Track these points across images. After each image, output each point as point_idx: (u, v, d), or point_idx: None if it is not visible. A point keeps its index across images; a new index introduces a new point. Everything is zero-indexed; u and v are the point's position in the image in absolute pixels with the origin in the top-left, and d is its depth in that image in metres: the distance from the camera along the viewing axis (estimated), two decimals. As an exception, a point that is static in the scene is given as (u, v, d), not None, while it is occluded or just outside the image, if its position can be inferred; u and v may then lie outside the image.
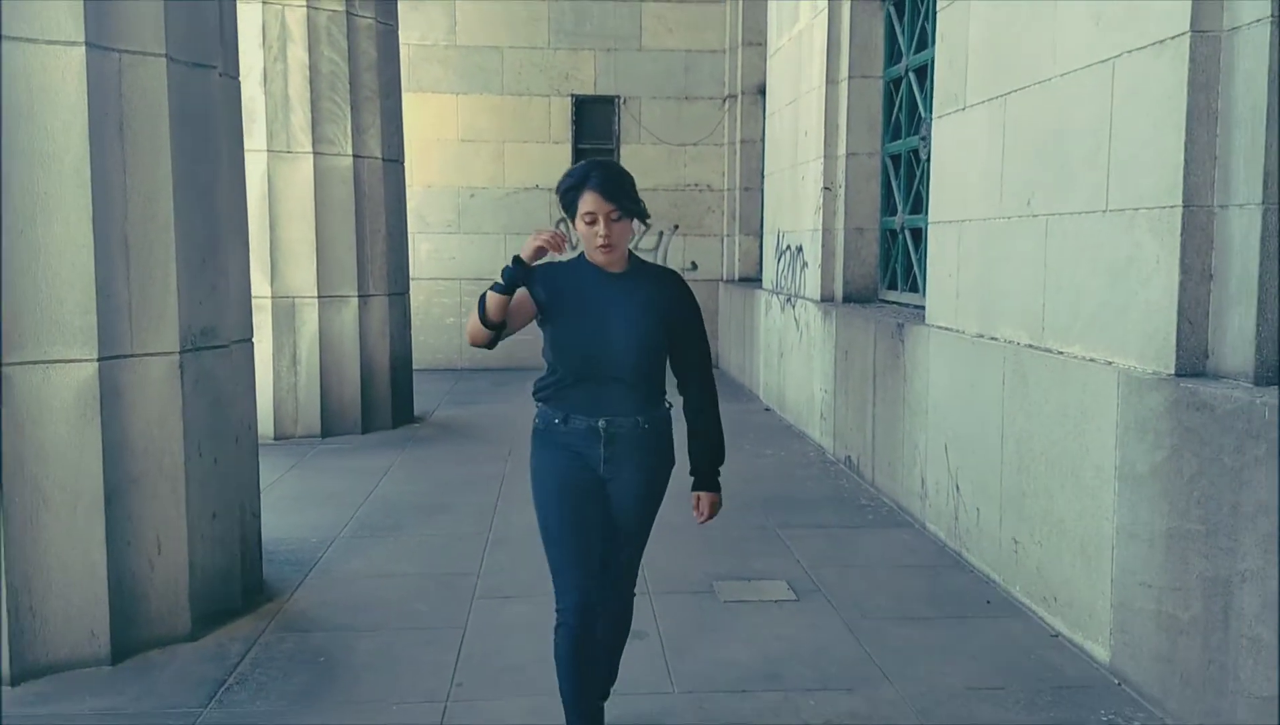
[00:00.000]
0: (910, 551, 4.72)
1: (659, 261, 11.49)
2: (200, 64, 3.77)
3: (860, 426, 6.15)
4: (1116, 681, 3.30)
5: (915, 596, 4.13)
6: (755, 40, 10.71)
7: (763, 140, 10.08)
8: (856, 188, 6.99)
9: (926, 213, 5.54)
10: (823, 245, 7.18)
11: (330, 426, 7.35)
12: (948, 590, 4.19)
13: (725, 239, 11.57)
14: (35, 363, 3.32)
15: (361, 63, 7.46)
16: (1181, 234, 3.05)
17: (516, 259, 2.47)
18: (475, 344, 2.58)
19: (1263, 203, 2.86)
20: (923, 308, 5.48)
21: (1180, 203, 3.05)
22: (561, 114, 11.39)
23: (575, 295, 2.56)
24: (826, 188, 7.16)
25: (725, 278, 11.50)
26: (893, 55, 6.74)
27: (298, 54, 7.18)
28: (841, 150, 7.02)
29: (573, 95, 11.40)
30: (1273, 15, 2.83)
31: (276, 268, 7.19)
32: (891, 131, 6.76)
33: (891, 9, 6.73)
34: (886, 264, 6.90)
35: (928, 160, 5.67)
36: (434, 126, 11.21)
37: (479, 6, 11.26)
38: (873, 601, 4.05)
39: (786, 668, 3.42)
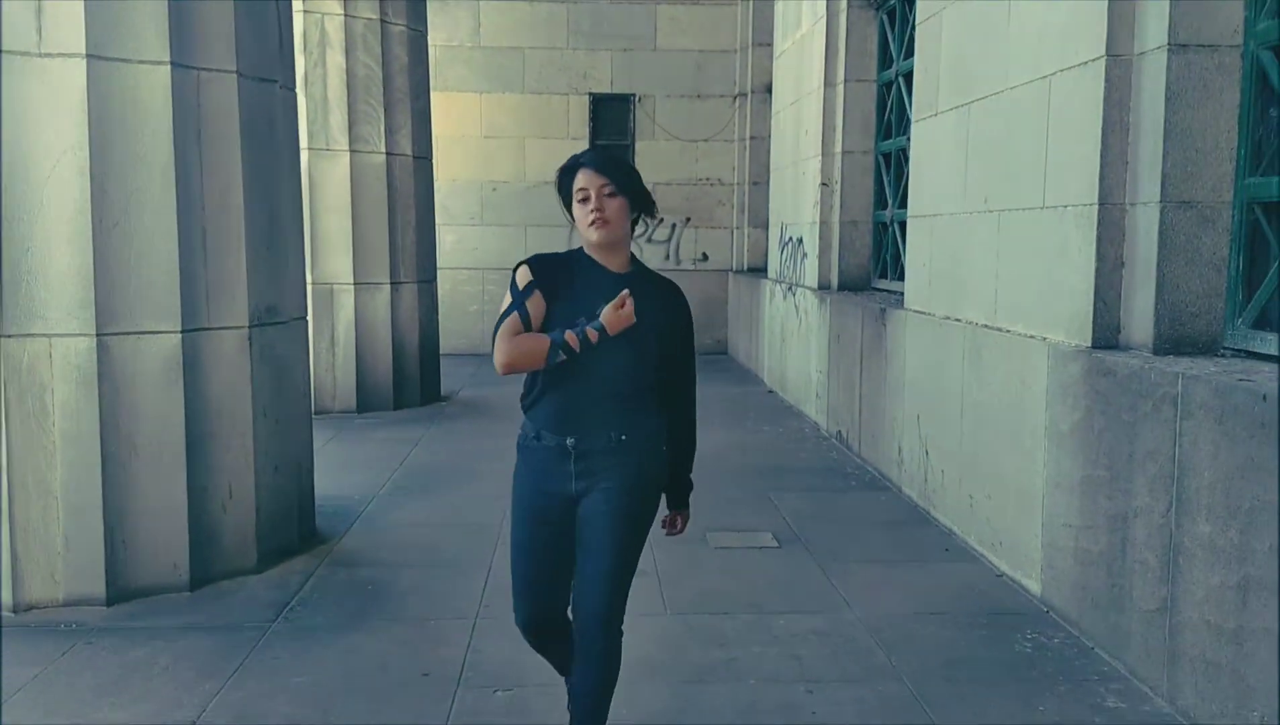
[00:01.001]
0: (884, 510, 5.29)
1: (670, 255, 12.09)
2: (264, 78, 4.37)
3: (849, 404, 6.70)
4: (1045, 610, 3.85)
5: (883, 545, 4.70)
6: (764, 41, 11.22)
7: (770, 137, 10.60)
8: (852, 184, 7.52)
9: (909, 207, 6.07)
10: (820, 237, 7.72)
11: (365, 402, 7.98)
12: (912, 540, 4.76)
13: (735, 231, 12.11)
14: (128, 333, 3.94)
15: (394, 67, 8.06)
16: (1098, 227, 3.60)
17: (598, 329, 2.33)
18: (513, 368, 2.36)
19: (1161, 201, 3.40)
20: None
21: (1097, 201, 3.59)
22: (580, 111, 11.95)
23: (572, 291, 2.39)
24: (824, 183, 7.70)
25: (734, 268, 12.05)
26: (885, 61, 7.27)
27: (336, 59, 7.79)
28: (838, 148, 7.56)
29: (590, 93, 11.96)
30: (1169, 43, 3.37)
31: (317, 256, 7.81)
32: (883, 131, 7.29)
33: (884, 18, 7.25)
34: (878, 254, 7.44)
35: (911, 159, 6.20)
36: (459, 124, 11.80)
37: (502, 9, 11.84)
38: (845, 549, 4.63)
39: (763, 597, 4.00)
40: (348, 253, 7.89)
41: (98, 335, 3.86)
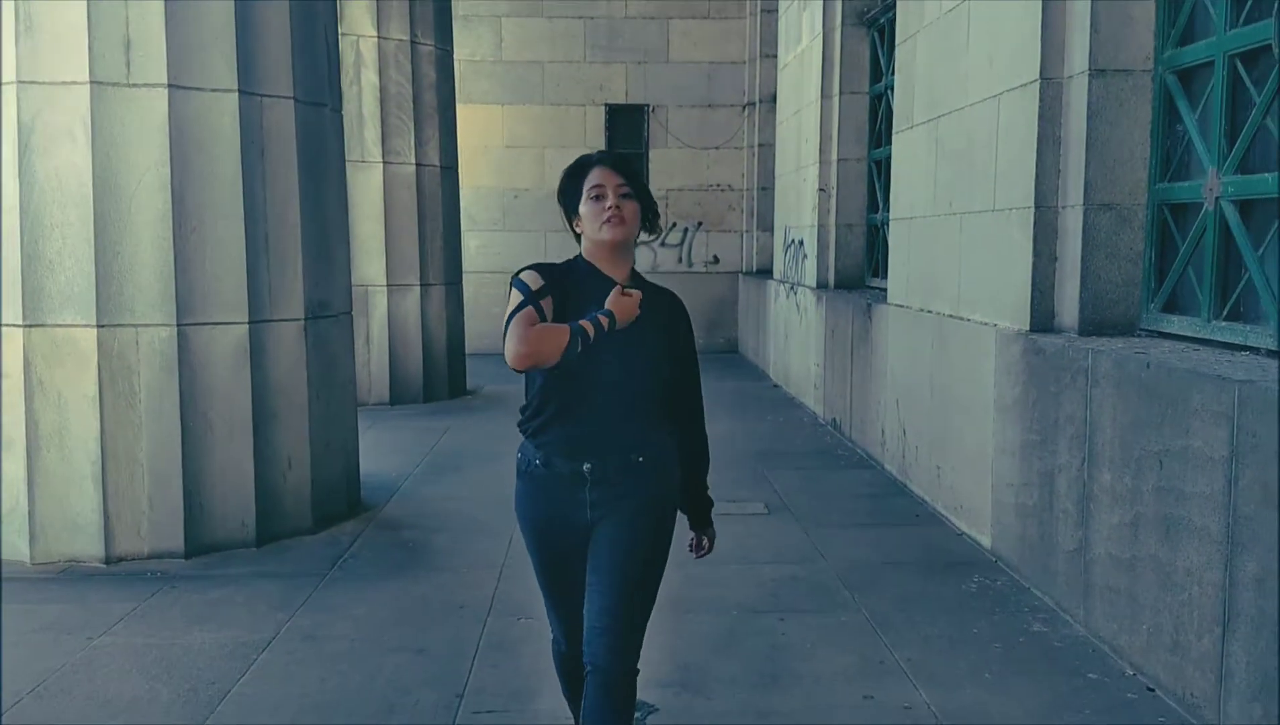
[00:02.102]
0: (867, 485, 5.87)
1: (683, 259, 12.70)
2: (316, 102, 5.02)
3: (842, 393, 7.28)
4: (994, 559, 4.43)
5: (861, 512, 5.28)
6: (772, 53, 11.79)
7: (775, 144, 11.19)
8: (847, 189, 8.11)
9: (893, 211, 6.65)
10: (818, 239, 8.31)
11: (397, 395, 8.64)
12: (888, 508, 5.34)
13: (744, 235, 12.71)
14: (203, 324, 4.59)
15: (423, 84, 8.72)
16: (1034, 227, 4.18)
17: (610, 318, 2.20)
18: (532, 359, 2.14)
19: (1085, 204, 3.97)
20: (889, 290, 6.60)
21: (1033, 204, 4.17)
22: (596, 121, 12.59)
23: (573, 301, 2.24)
24: (822, 189, 8.29)
25: (744, 270, 12.64)
26: (876, 75, 7.85)
27: (370, 77, 8.45)
28: (834, 156, 8.14)
29: (606, 104, 12.60)
30: (1090, 68, 3.94)
31: (353, 260, 8.44)
32: (875, 140, 7.87)
33: (875, 35, 7.83)
34: (871, 254, 8.01)
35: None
36: (482, 134, 12.46)
37: (523, 25, 12.50)
38: (827, 515, 5.21)
39: (752, 551, 4.59)
40: (381, 257, 8.55)
41: (177, 326, 4.51)
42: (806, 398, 8.55)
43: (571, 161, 2.38)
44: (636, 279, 2.36)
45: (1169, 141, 3.90)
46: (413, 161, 8.63)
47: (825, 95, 8.21)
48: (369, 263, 8.53)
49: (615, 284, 2.28)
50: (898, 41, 6.15)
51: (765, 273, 11.78)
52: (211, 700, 3.18)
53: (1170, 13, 3.87)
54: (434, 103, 8.80)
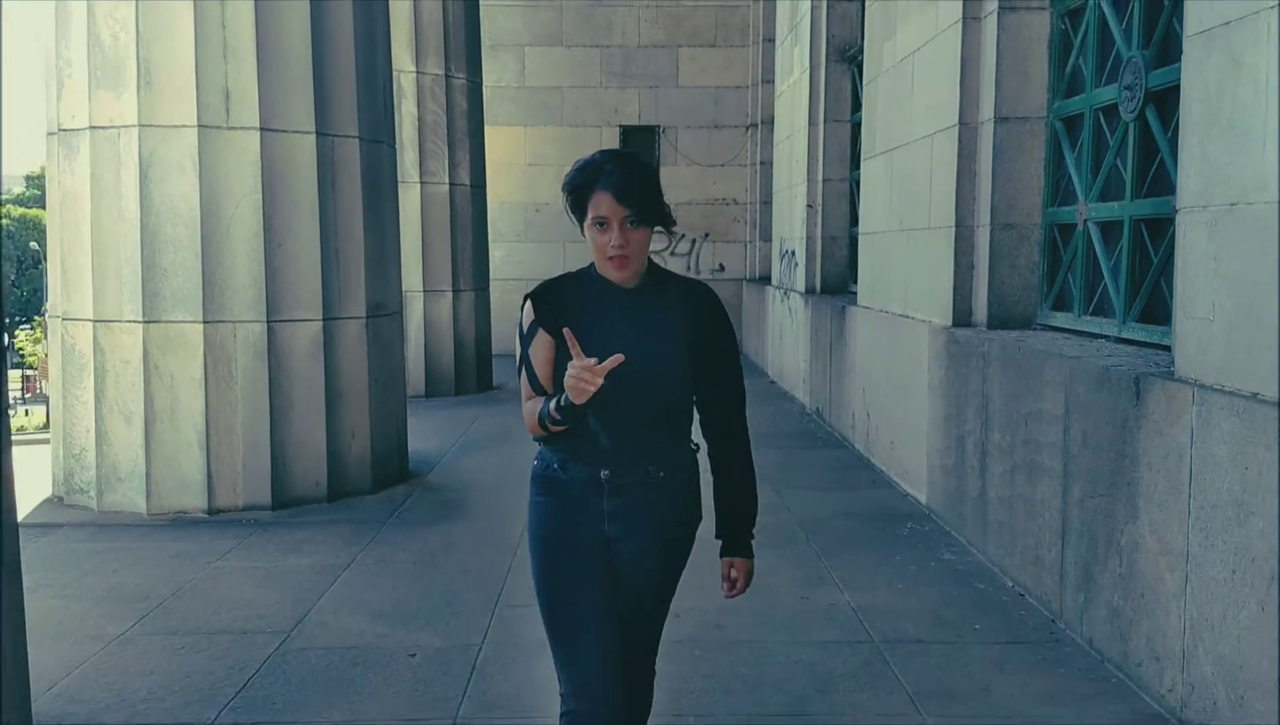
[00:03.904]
0: (836, 460, 6.89)
1: (691, 267, 13.73)
2: (375, 140, 6.10)
3: (824, 385, 8.29)
4: (927, 512, 5.44)
5: (826, 480, 6.30)
6: (771, 79, 12.83)
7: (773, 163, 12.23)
8: (831, 205, 9.13)
9: (865, 226, 7.67)
10: (807, 250, 9.33)
11: (432, 389, 9.72)
12: (851, 478, 6.35)
13: (747, 245, 13.75)
14: (287, 321, 5.66)
15: (456, 112, 9.81)
16: (955, 242, 5.19)
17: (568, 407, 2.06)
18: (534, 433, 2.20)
19: (991, 224, 4.99)
20: (861, 294, 7.61)
21: (955, 224, 5.19)
22: (611, 141, 13.65)
23: (582, 317, 2.12)
24: (810, 205, 9.31)
25: (747, 277, 13.67)
26: (856, 105, 8.87)
27: (410, 108, 9.56)
28: (820, 176, 9.17)
29: (620, 125, 13.69)
30: (995, 116, 4.95)
31: (393, 269, 9.58)
32: (855, 162, 8.89)
33: (855, 70, 8.86)
34: (852, 263, 9.01)
35: (868, 188, 7.79)
36: (507, 153, 13.56)
37: (544, 54, 13.61)
38: (797, 481, 6.23)
39: (730, 506, 5.61)
40: (419, 266, 9.64)
41: (267, 322, 5.59)
42: (796, 391, 9.56)
43: (579, 165, 2.15)
44: (651, 275, 2.20)
45: (1058, 174, 4.91)
46: (447, 181, 9.72)
47: (812, 122, 9.24)
48: (408, 271, 9.60)
49: (620, 291, 2.16)
50: (864, 81, 7.17)
51: (765, 280, 12.80)
52: (311, 599, 4.24)
53: (1059, 70, 4.88)
54: (465, 129, 9.90)
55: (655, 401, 2.15)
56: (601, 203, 2.08)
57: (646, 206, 2.10)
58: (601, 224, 2.09)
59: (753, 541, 2.32)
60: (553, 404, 2.09)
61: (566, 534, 2.19)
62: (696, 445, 2.26)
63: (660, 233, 2.22)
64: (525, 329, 2.20)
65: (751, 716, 3.18)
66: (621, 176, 2.08)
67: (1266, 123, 2.67)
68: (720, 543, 2.31)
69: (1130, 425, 3.30)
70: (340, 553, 4.87)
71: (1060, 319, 4.77)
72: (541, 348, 2.18)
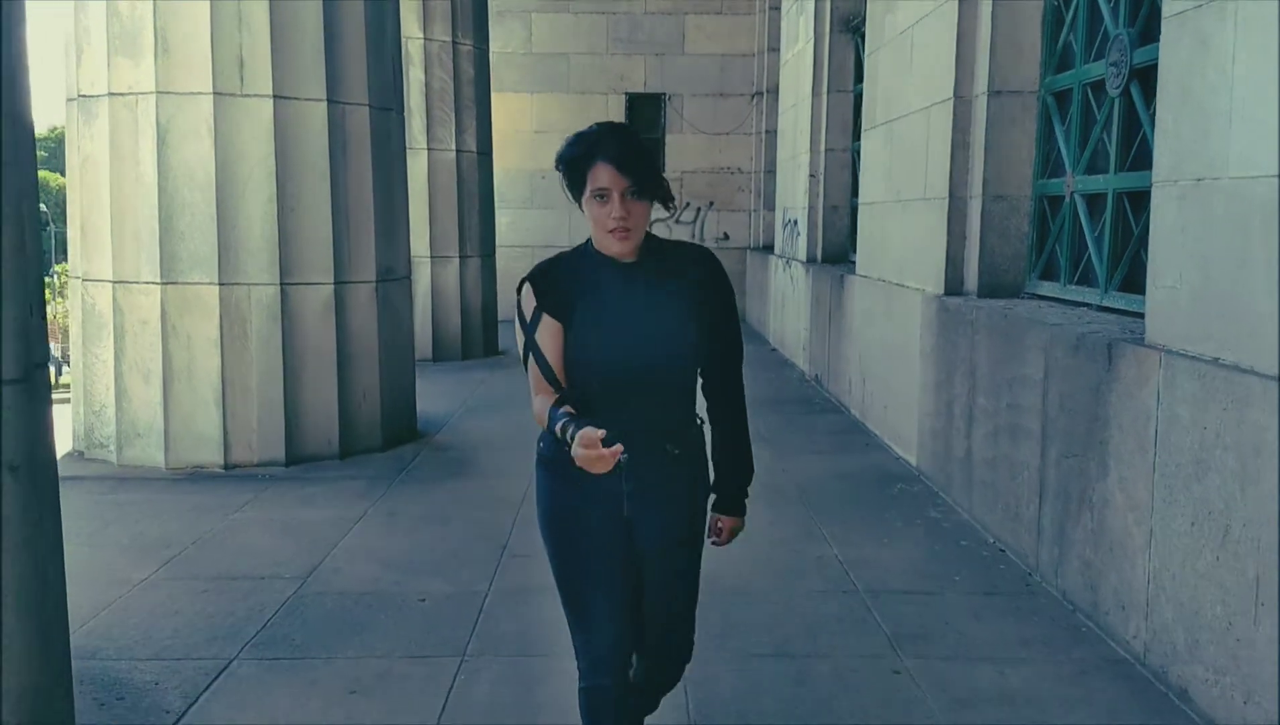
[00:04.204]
0: (833, 425, 7.08)
1: (696, 235, 13.86)
2: (384, 107, 6.24)
3: (823, 352, 8.47)
4: (917, 474, 5.63)
5: (824, 443, 6.49)
6: (778, 47, 12.90)
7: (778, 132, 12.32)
8: (833, 175, 9.25)
9: (865, 196, 7.81)
10: (809, 219, 9.47)
11: (439, 353, 9.92)
12: (846, 441, 6.55)
13: (752, 214, 13.86)
14: (300, 284, 5.85)
15: (463, 79, 9.92)
16: (948, 213, 5.34)
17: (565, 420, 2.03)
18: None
19: (983, 195, 5.14)
20: (860, 263, 7.77)
21: (948, 195, 5.34)
22: (617, 109, 13.74)
23: (585, 298, 2.10)
24: (812, 175, 9.43)
25: (751, 246, 13.80)
26: (859, 76, 8.96)
27: (417, 75, 9.67)
28: (823, 146, 9.28)
29: (627, 93, 13.77)
30: (989, 90, 5.09)
31: (401, 234, 9.74)
32: (857, 133, 9.00)
33: (858, 40, 8.94)
34: (853, 233, 9.15)
35: (868, 158, 7.92)
36: (512, 120, 13.65)
37: (551, 20, 13.67)
38: (796, 444, 6.43)
39: (727, 467, 5.81)
40: (425, 232, 9.80)
41: (280, 285, 5.77)
42: (797, 358, 9.74)
43: (573, 138, 2.10)
44: (650, 247, 2.17)
45: (1048, 147, 5.05)
46: (453, 148, 9.85)
47: (816, 92, 9.34)
48: (415, 237, 9.73)
49: (619, 266, 2.12)
50: (866, 52, 7.28)
51: (769, 249, 12.94)
52: (326, 548, 4.45)
53: (1051, 45, 5.00)
54: (472, 95, 10.01)
55: (669, 383, 2.14)
56: (602, 174, 2.04)
57: (647, 178, 2.06)
58: (602, 196, 2.05)
59: (746, 499, 2.36)
60: (558, 426, 2.04)
61: (578, 514, 2.17)
62: (701, 419, 2.26)
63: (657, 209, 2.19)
64: (529, 316, 2.14)
65: (739, 654, 3.39)
66: (622, 147, 2.04)
67: (1231, 103, 2.82)
68: (713, 497, 2.33)
69: (1103, 388, 3.48)
70: (353, 506, 5.08)
71: (1047, 288, 4.94)
72: (549, 334, 2.12)
